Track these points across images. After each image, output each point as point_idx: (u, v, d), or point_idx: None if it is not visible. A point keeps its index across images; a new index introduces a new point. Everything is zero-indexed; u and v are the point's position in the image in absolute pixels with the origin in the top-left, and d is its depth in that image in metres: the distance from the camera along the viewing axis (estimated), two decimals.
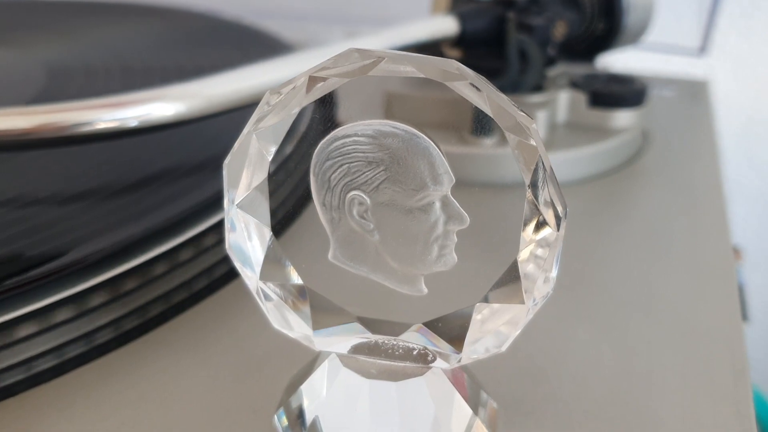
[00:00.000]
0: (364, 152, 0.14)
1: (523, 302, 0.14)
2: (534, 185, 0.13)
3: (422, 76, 0.13)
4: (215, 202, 0.20)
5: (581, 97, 0.28)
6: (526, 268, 0.14)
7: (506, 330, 0.14)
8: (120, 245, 0.18)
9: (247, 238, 0.14)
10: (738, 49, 0.47)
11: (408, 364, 0.14)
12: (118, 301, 0.18)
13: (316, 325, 0.15)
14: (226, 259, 0.20)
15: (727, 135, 0.39)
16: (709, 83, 0.38)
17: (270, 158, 0.14)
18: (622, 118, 0.28)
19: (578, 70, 0.32)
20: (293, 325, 0.15)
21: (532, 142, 0.13)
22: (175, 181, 0.21)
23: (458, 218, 0.14)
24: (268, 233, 0.15)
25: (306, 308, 0.15)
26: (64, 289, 0.17)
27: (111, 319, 0.18)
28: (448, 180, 0.13)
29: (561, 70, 0.29)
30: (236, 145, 0.14)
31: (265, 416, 0.16)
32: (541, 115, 0.26)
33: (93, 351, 0.17)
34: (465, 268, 0.14)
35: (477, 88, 0.13)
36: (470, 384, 0.15)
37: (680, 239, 0.23)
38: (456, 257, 0.14)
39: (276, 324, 0.15)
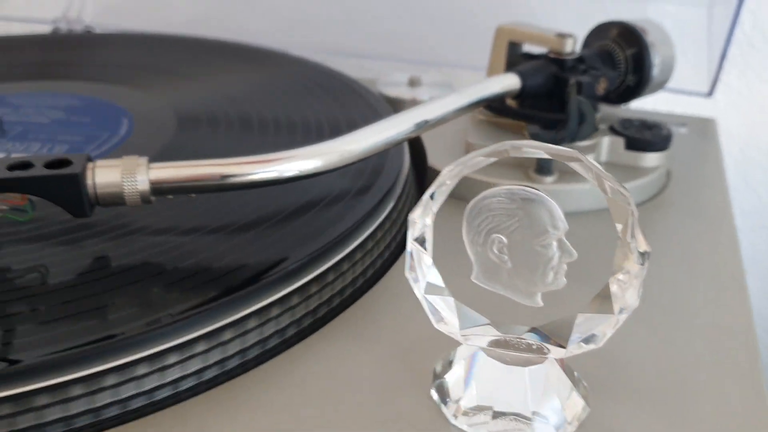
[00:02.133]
0: (504, 208, 0.20)
1: (612, 313, 0.20)
2: (624, 233, 0.19)
3: (551, 158, 0.20)
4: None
5: (619, 141, 0.34)
6: (614, 289, 0.20)
7: (600, 333, 0.20)
8: (298, 261, 0.24)
9: (417, 264, 0.20)
10: (737, 85, 0.54)
11: (530, 355, 0.20)
12: (301, 303, 0.24)
13: (463, 326, 0.21)
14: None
15: (727, 159, 0.45)
16: (716, 120, 0.44)
17: (435, 210, 0.20)
18: (653, 159, 0.34)
19: (607, 110, 0.38)
20: (447, 325, 0.21)
21: (627, 205, 0.19)
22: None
23: (569, 254, 0.20)
24: (429, 261, 0.21)
25: (455, 314, 0.21)
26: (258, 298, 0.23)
27: (290, 321, 0.24)
28: (563, 227, 0.20)
29: (599, 115, 0.36)
30: (424, 197, 0.20)
31: (424, 390, 0.22)
32: (590, 158, 0.32)
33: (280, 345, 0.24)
34: (570, 287, 0.20)
35: (589, 168, 0.19)
36: (568, 369, 0.21)
37: (699, 257, 0.29)
38: (565, 280, 0.20)
39: (435, 324, 0.21)
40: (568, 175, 0.32)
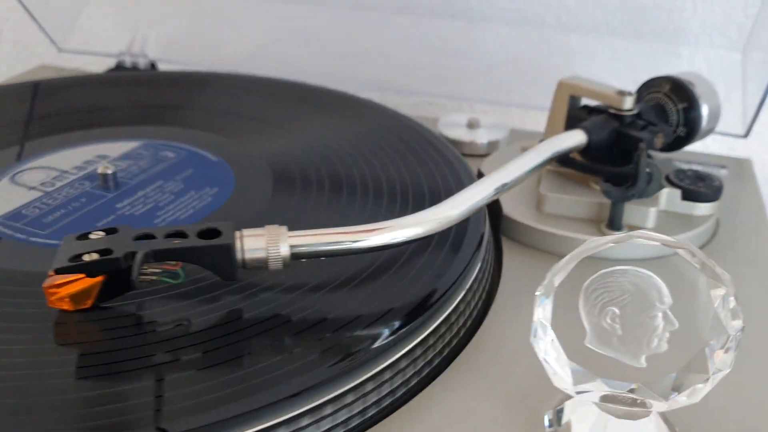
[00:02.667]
0: (618, 285, 0.23)
1: (707, 373, 0.23)
2: (718, 310, 0.23)
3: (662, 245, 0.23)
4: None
5: (676, 193, 0.38)
6: (709, 352, 0.23)
7: (698, 389, 0.23)
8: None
9: (541, 334, 0.24)
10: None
11: (636, 409, 0.24)
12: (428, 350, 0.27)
13: (576, 383, 0.24)
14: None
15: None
16: (752, 161, 0.48)
17: (556, 286, 0.24)
18: (706, 208, 0.38)
19: (656, 155, 0.42)
20: (563, 382, 0.24)
21: (723, 285, 0.23)
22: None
23: (671, 324, 0.23)
24: (551, 332, 0.24)
25: (569, 372, 0.24)
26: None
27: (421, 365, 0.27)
28: (668, 302, 0.23)
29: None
30: (549, 279, 0.23)
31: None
32: (653, 210, 0.36)
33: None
34: (670, 351, 0.23)
35: (693, 254, 0.23)
36: (668, 421, 0.25)
37: (756, 297, 0.33)
38: (667, 346, 0.23)
39: (554, 382, 0.24)
40: (633, 229, 0.36)
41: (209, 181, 0.37)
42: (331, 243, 0.28)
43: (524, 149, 0.45)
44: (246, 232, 0.27)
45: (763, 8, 0.50)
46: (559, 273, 0.24)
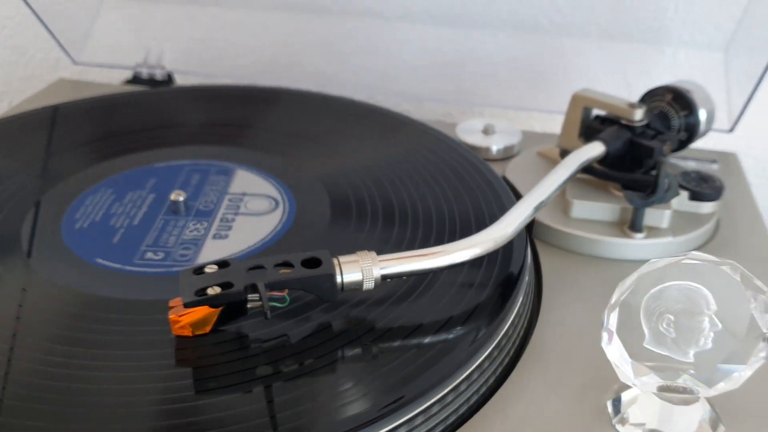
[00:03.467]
0: (673, 297, 0.28)
1: (745, 364, 0.28)
2: (753, 312, 0.28)
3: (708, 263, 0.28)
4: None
5: (684, 194, 0.43)
6: (747, 347, 0.28)
7: (736, 377, 0.28)
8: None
9: (609, 339, 0.29)
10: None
11: (686, 395, 0.29)
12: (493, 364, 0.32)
13: (637, 376, 0.29)
14: None
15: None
16: (738, 155, 0.53)
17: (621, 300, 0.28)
18: (710, 206, 0.43)
19: None
20: (628, 378, 0.29)
21: (762, 293, 0.27)
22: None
23: (715, 326, 0.28)
24: (617, 339, 0.29)
25: (631, 368, 0.29)
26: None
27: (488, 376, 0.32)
28: (713, 308, 0.28)
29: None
30: (617, 297, 0.28)
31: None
32: (667, 212, 0.41)
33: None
34: (714, 347, 0.28)
35: (735, 269, 0.28)
36: (710, 403, 0.30)
37: None
38: (711, 344, 0.28)
39: (621, 377, 0.29)
40: (653, 231, 0.40)
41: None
42: (413, 264, 0.32)
43: (540, 154, 0.49)
44: (342, 258, 0.31)
45: (748, 8, 0.55)
46: (626, 291, 0.28)
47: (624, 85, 0.61)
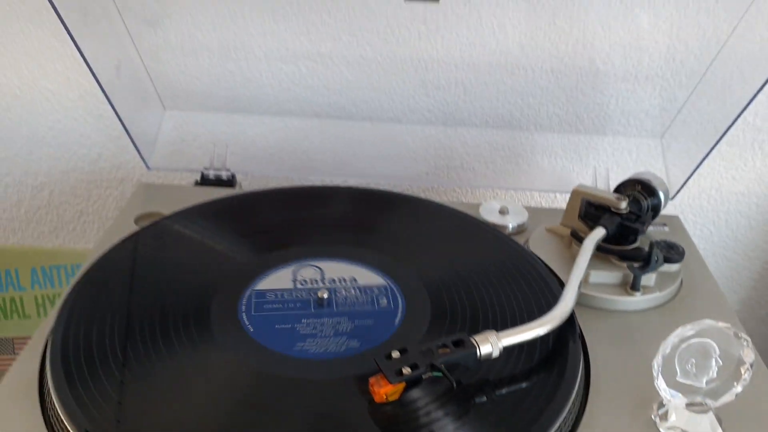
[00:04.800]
0: (695, 347, 0.45)
1: (737, 385, 0.46)
2: (741, 352, 0.45)
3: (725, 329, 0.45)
4: None
5: (661, 258, 0.61)
6: (738, 373, 0.46)
7: (732, 392, 0.46)
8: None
9: (657, 375, 0.45)
10: None
11: (702, 407, 0.46)
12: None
13: (673, 397, 0.46)
14: None
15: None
16: (679, 217, 0.72)
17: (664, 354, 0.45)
18: (677, 266, 0.61)
19: None
20: (667, 399, 0.46)
21: (743, 339, 0.45)
22: None
23: (719, 363, 0.46)
24: (660, 375, 0.46)
25: (669, 393, 0.46)
26: None
27: None
28: (718, 352, 0.45)
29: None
30: (658, 363, 0.45)
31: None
32: (654, 274, 0.59)
33: None
34: (718, 376, 0.46)
35: (738, 335, 0.45)
36: (717, 413, 0.48)
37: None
38: (716, 374, 0.46)
39: (664, 399, 0.46)
40: (645, 289, 0.58)
41: (390, 303, 0.55)
42: (518, 337, 0.48)
43: (550, 231, 0.66)
44: (476, 337, 0.47)
45: (689, 99, 0.74)
46: (667, 347, 0.45)
47: (579, 166, 0.80)
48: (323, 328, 0.51)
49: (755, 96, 0.60)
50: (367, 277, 0.57)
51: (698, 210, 0.86)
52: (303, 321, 0.52)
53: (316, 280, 0.56)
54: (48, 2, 0.55)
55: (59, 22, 0.57)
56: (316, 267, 0.57)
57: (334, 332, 0.51)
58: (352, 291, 0.55)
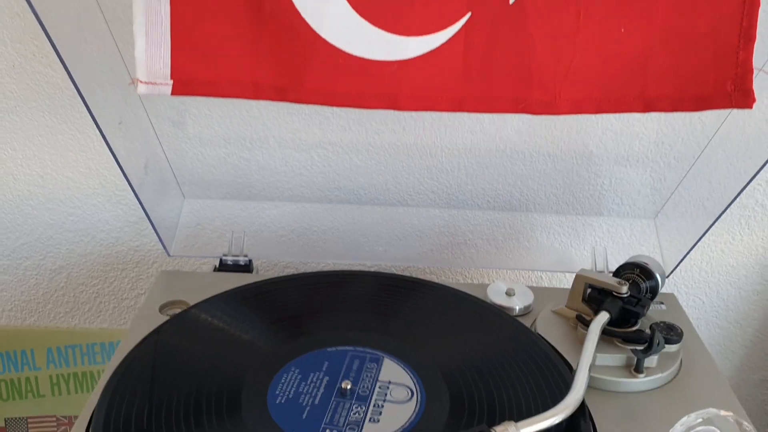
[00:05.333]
0: (696, 428, 0.49)
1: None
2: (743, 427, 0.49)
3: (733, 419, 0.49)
4: None
5: (660, 339, 0.65)
6: None
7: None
8: None
9: None
10: None
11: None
12: None
13: None
14: None
15: None
16: (674, 294, 0.76)
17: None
18: (676, 346, 0.65)
19: None
20: None
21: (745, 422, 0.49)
22: None
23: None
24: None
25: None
26: None
27: None
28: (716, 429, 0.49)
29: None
30: None
31: None
32: (656, 357, 0.62)
33: None
34: None
35: (740, 422, 0.49)
36: None
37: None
38: None
39: None
40: (650, 370, 0.62)
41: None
42: (536, 426, 0.51)
43: (556, 313, 0.70)
44: (496, 428, 0.50)
45: (681, 182, 0.78)
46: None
47: (579, 244, 0.84)
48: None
49: (748, 183, 0.65)
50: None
51: (690, 282, 0.91)
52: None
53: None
54: (84, 106, 0.59)
55: (85, 117, 0.60)
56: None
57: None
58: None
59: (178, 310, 0.66)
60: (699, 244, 0.87)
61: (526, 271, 0.88)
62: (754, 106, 0.49)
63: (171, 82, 0.45)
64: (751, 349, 0.95)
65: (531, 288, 0.74)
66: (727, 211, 0.86)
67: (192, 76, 0.45)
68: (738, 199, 0.84)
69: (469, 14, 0.44)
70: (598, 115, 0.80)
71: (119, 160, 0.63)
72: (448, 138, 0.81)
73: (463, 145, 0.81)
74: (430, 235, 0.85)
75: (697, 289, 0.91)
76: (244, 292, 0.68)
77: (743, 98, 0.46)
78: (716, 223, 0.86)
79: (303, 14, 0.43)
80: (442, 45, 0.44)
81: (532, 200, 0.84)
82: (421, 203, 0.84)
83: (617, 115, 0.79)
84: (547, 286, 0.89)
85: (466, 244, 0.86)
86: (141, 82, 0.46)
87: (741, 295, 0.92)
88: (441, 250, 0.85)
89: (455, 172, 0.83)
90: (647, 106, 0.47)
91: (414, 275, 0.75)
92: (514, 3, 0.43)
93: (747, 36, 0.43)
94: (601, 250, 0.80)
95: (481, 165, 0.82)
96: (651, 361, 0.62)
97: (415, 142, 0.80)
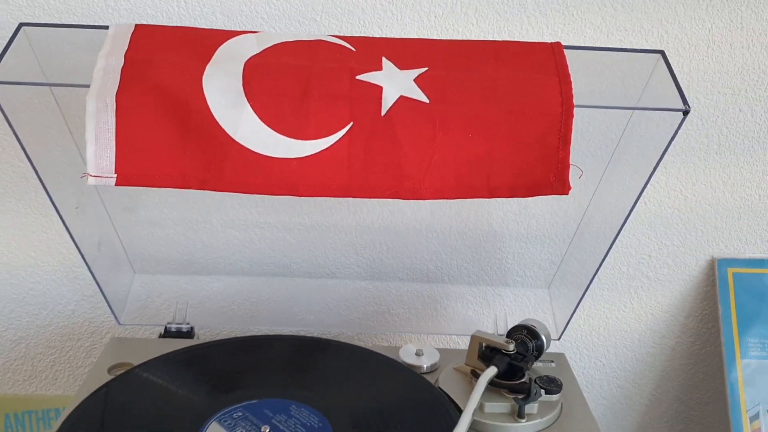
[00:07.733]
0: None
1: None
2: None
3: None
4: None
5: (542, 391, 0.75)
6: None
7: None
8: None
9: None
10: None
11: None
12: None
13: None
14: None
15: None
16: (564, 354, 0.87)
17: None
18: (556, 396, 0.75)
19: None
20: None
21: None
22: None
23: None
24: None
25: None
26: None
27: None
28: None
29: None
30: None
31: None
32: (536, 404, 0.73)
33: None
34: None
35: None
36: None
37: None
38: None
39: None
40: (531, 416, 0.72)
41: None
42: None
43: (456, 369, 0.80)
44: None
45: (565, 255, 0.91)
46: None
47: (486, 311, 0.95)
48: None
49: (606, 255, 0.77)
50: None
51: (590, 345, 1.02)
52: None
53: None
54: (45, 193, 0.70)
55: (46, 203, 0.70)
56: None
57: None
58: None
59: (122, 371, 0.75)
60: (596, 311, 1.00)
61: (442, 335, 0.99)
62: (571, 192, 0.62)
63: (115, 175, 0.56)
64: (649, 407, 1.06)
65: (440, 349, 0.85)
66: (618, 282, 0.98)
67: (132, 171, 0.56)
68: (626, 271, 0.97)
69: (351, 124, 0.56)
70: (500, 199, 0.92)
71: (75, 239, 0.74)
72: (370, 218, 0.92)
73: (384, 225, 0.93)
74: (356, 305, 0.95)
75: (597, 352, 1.02)
76: (181, 354, 0.77)
77: (561, 187, 0.58)
78: (609, 293, 0.99)
79: (221, 123, 0.55)
80: (331, 146, 0.56)
81: (446, 273, 0.96)
82: (347, 276, 0.95)
83: (516, 199, 0.92)
84: (459, 347, 1.00)
85: (389, 313, 0.97)
86: (91, 176, 0.56)
87: (636, 357, 1.03)
88: (367, 317, 0.96)
89: (377, 248, 0.94)
90: (491, 193, 0.59)
91: (344, 341, 0.85)
92: (385, 115, 0.56)
93: (564, 140, 0.56)
94: (503, 316, 0.91)
95: (400, 242, 0.94)
96: (532, 408, 0.73)
97: (340, 222, 0.92)
